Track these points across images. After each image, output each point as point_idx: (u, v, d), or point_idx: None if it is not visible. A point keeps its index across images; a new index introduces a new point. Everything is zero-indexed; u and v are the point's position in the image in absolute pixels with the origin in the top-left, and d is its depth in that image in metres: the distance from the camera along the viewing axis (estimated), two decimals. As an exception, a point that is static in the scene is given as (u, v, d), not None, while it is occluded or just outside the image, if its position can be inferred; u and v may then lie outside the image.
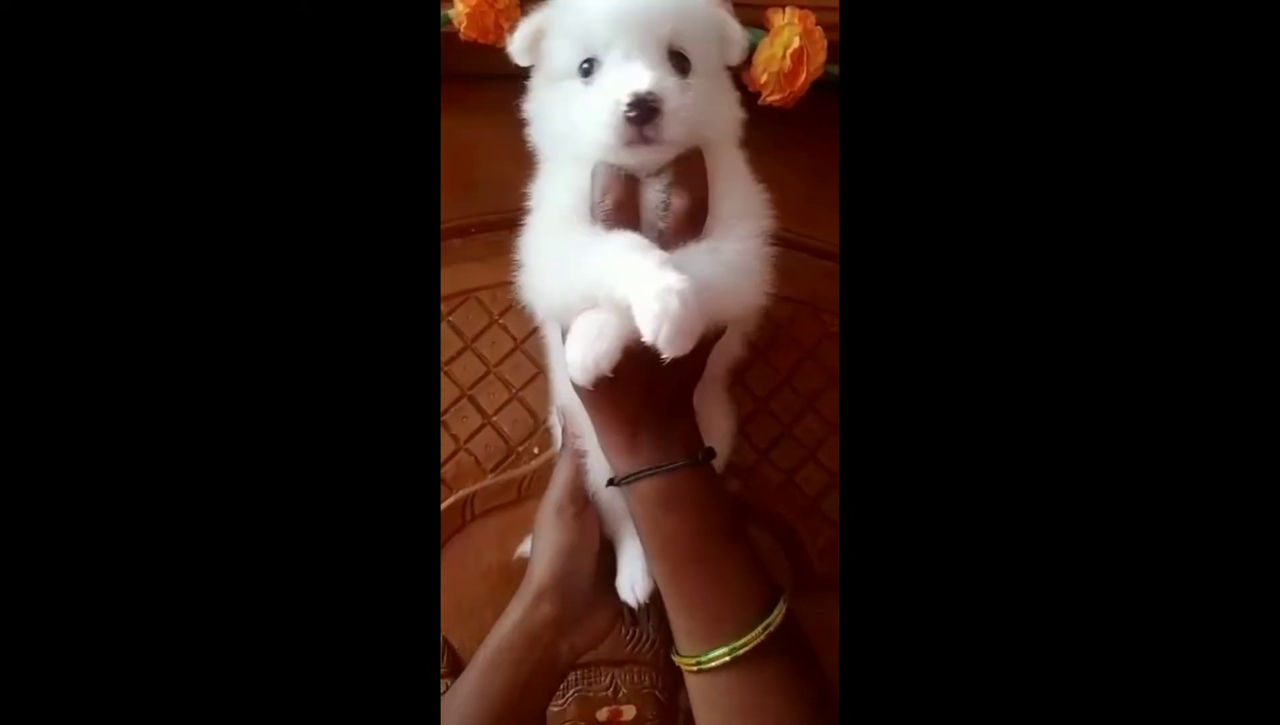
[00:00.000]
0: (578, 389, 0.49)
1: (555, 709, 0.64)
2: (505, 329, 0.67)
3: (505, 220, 0.68)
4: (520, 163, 0.67)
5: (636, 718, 0.64)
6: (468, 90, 0.66)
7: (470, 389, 0.66)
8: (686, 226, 0.47)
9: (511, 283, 0.68)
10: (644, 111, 0.43)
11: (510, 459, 0.66)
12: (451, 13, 0.60)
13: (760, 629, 0.47)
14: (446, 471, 0.65)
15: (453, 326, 0.67)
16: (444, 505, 0.65)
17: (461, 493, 0.65)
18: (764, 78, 0.61)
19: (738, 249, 0.47)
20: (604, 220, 0.47)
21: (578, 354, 0.43)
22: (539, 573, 0.56)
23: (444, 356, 0.66)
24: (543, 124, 0.52)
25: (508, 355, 0.67)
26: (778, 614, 0.48)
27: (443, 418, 0.65)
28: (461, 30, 0.60)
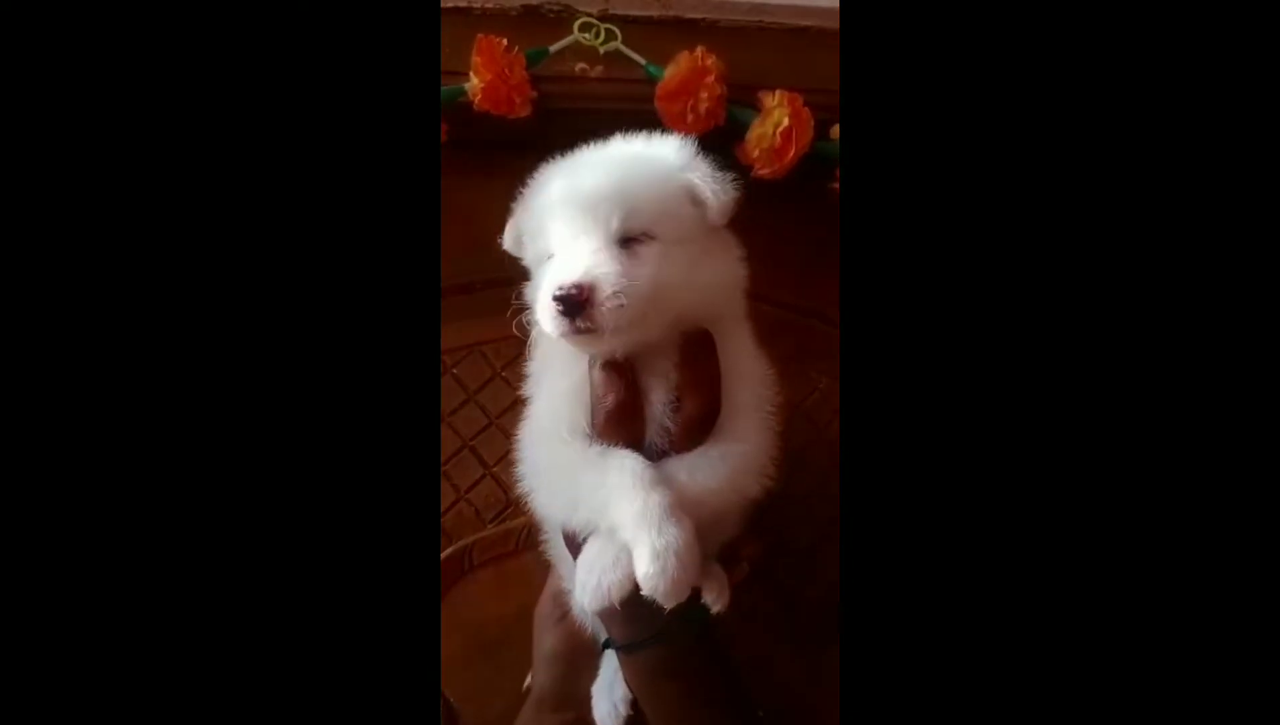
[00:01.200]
0: (570, 547, 0.49)
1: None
2: (507, 382, 0.70)
3: (508, 278, 0.71)
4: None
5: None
6: (478, 157, 0.71)
7: (472, 440, 0.68)
8: (697, 430, 0.46)
9: (514, 338, 0.71)
10: (569, 304, 0.42)
11: (509, 510, 0.67)
12: (467, 85, 0.64)
13: None
14: (446, 521, 0.66)
15: (456, 379, 0.69)
16: (443, 555, 0.65)
17: (461, 543, 0.66)
18: (756, 153, 0.66)
19: (746, 452, 0.46)
20: (604, 421, 0.46)
21: (591, 578, 0.43)
22: (538, 681, 0.58)
23: (447, 408, 0.68)
24: (534, 307, 0.50)
25: (509, 407, 0.69)
26: None
27: (444, 468, 0.67)
28: (476, 102, 0.64)
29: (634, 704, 0.53)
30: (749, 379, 0.49)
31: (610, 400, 0.45)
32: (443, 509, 0.66)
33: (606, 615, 0.50)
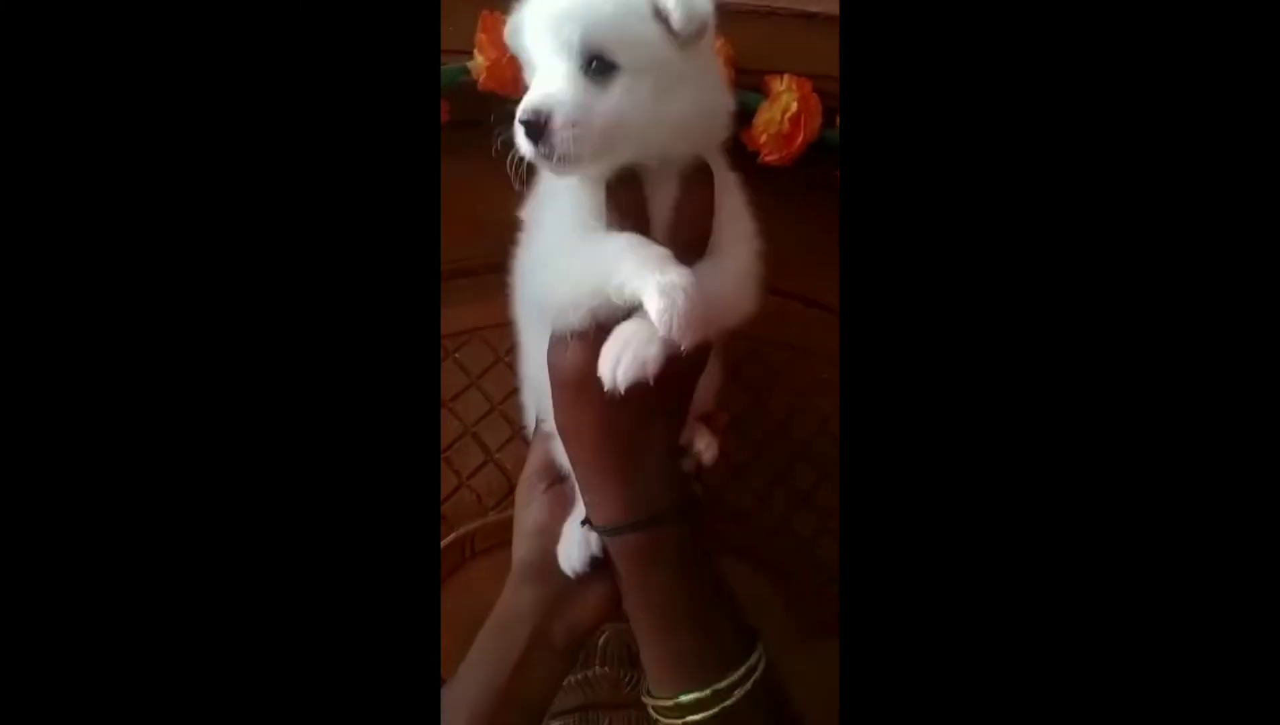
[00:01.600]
0: (563, 430, 0.49)
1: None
2: (510, 367, 0.69)
3: (510, 262, 0.70)
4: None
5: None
6: (479, 138, 0.69)
7: (474, 426, 0.67)
8: (689, 254, 0.47)
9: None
10: (529, 129, 0.43)
11: (511, 497, 0.66)
12: (471, 64, 0.63)
13: (742, 672, 0.48)
14: (448, 508, 0.65)
15: (458, 363, 0.68)
16: (444, 542, 0.65)
17: (462, 530, 0.65)
18: (763, 139, 0.65)
19: (734, 268, 0.49)
20: (613, 227, 0.47)
21: (627, 352, 0.43)
22: (520, 553, 0.55)
23: (449, 393, 0.67)
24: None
25: (511, 393, 0.68)
26: (758, 658, 0.50)
27: (445, 454, 0.66)
28: (480, 81, 0.63)
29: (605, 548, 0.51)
30: (735, 211, 0.51)
31: (616, 209, 0.47)
32: (444, 495, 0.65)
33: (595, 490, 0.50)
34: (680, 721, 0.49)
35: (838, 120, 0.67)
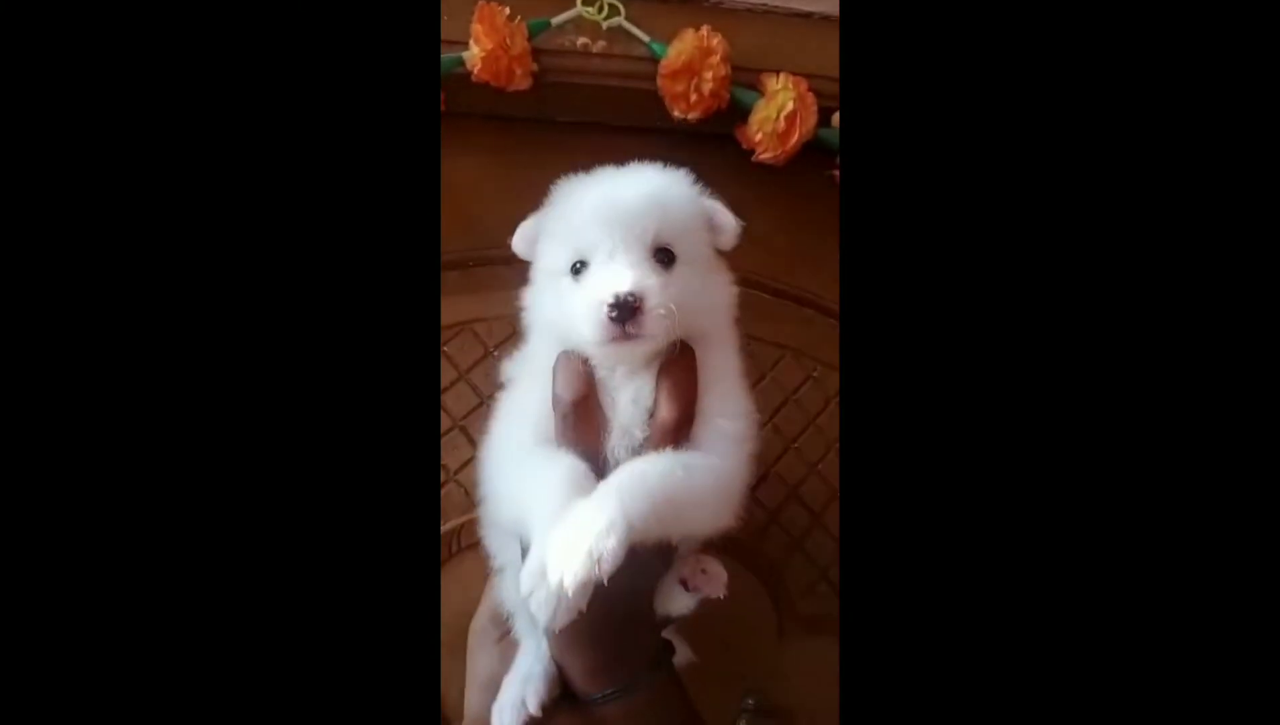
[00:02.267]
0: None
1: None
2: (500, 361, 0.68)
3: (502, 256, 0.70)
4: (517, 201, 0.69)
5: None
6: (473, 130, 0.69)
7: (463, 419, 0.67)
8: (671, 436, 0.46)
9: (507, 316, 0.70)
10: (624, 311, 0.44)
11: (500, 491, 0.66)
12: (466, 55, 0.62)
13: None
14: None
15: (448, 357, 0.67)
16: (431, 537, 0.64)
17: (450, 524, 0.65)
18: (758, 137, 0.65)
19: (714, 467, 0.46)
20: (563, 417, 0.46)
21: (579, 554, 0.39)
22: (470, 705, 0.54)
23: (440, 385, 0.67)
24: (536, 312, 0.52)
25: (502, 387, 0.68)
26: None
27: (433, 448, 0.65)
28: (475, 72, 0.62)
29: (545, 706, 0.49)
30: (727, 391, 0.49)
31: (569, 393, 0.46)
32: (431, 490, 0.65)
33: (572, 661, 0.49)
34: None
35: (832, 119, 0.67)
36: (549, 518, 0.41)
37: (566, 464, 0.45)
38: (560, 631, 0.45)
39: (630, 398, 0.47)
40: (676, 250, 0.48)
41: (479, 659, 0.54)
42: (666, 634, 0.55)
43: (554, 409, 0.47)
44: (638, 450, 0.46)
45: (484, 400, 0.67)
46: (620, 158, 0.71)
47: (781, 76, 0.65)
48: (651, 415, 0.47)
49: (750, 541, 0.68)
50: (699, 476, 0.44)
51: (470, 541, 0.65)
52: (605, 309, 0.44)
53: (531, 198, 0.68)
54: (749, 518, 0.68)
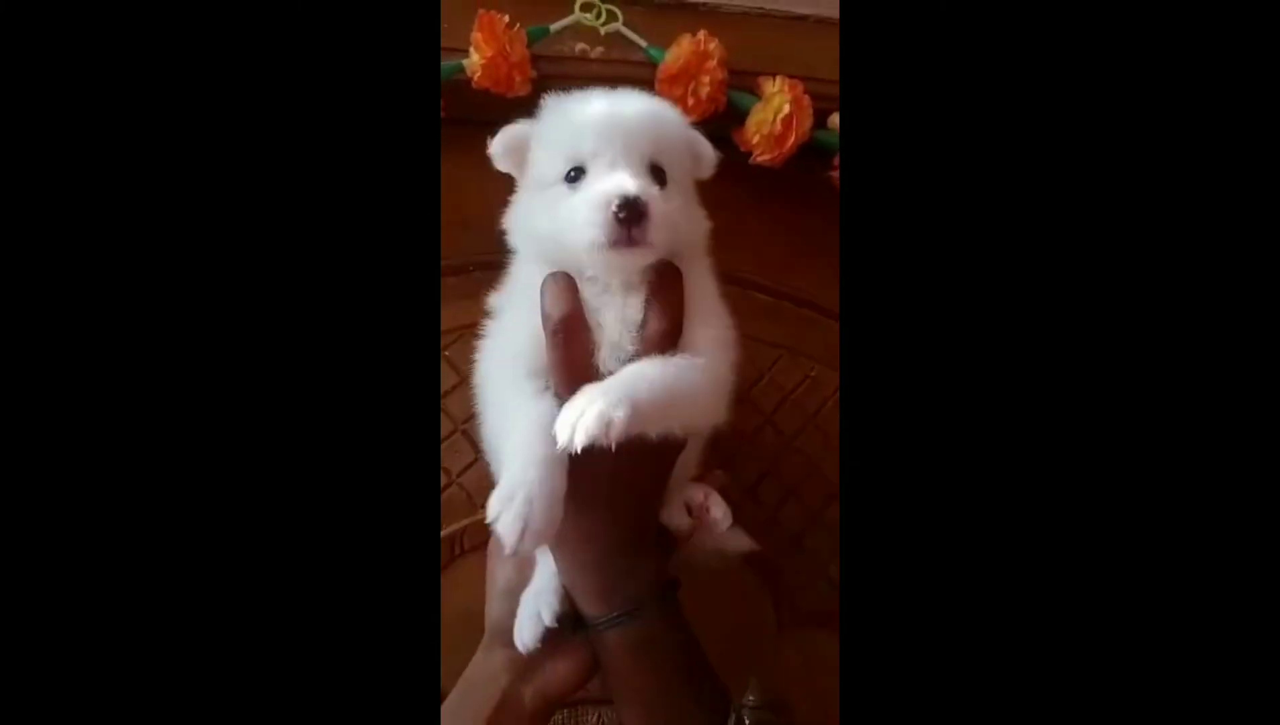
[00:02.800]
0: None
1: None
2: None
3: (502, 260, 0.70)
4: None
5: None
6: (472, 136, 0.69)
7: (464, 423, 0.67)
8: (660, 345, 0.48)
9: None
10: (632, 213, 0.45)
11: (502, 493, 0.67)
12: (466, 62, 0.63)
13: None
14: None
15: (449, 361, 0.68)
16: (435, 539, 0.64)
17: (452, 527, 0.65)
18: (755, 139, 0.66)
19: (704, 366, 0.48)
20: (553, 333, 0.47)
21: (591, 411, 0.41)
22: (492, 614, 0.56)
23: (441, 389, 0.67)
24: (526, 227, 0.53)
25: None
26: None
27: (436, 451, 0.66)
28: (475, 79, 0.63)
29: (561, 618, 0.51)
30: (708, 306, 0.51)
31: (558, 317, 0.47)
32: (435, 492, 0.65)
33: (576, 581, 0.51)
34: None
35: (828, 121, 0.68)
36: (522, 458, 0.44)
37: (546, 407, 0.46)
38: (566, 551, 0.49)
39: (618, 315, 0.49)
40: (668, 170, 0.49)
41: (497, 571, 0.56)
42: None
43: (544, 327, 0.48)
44: (628, 361, 0.47)
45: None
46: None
47: (778, 79, 0.65)
48: (640, 328, 0.48)
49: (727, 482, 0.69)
50: (691, 373, 0.47)
51: (472, 544, 0.66)
52: (612, 209, 0.45)
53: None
54: (749, 516, 0.70)
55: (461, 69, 0.63)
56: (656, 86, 0.66)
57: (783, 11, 0.68)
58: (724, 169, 0.70)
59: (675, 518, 0.55)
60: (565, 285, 0.48)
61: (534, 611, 0.52)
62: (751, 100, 0.66)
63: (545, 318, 0.48)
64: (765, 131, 0.65)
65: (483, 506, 0.67)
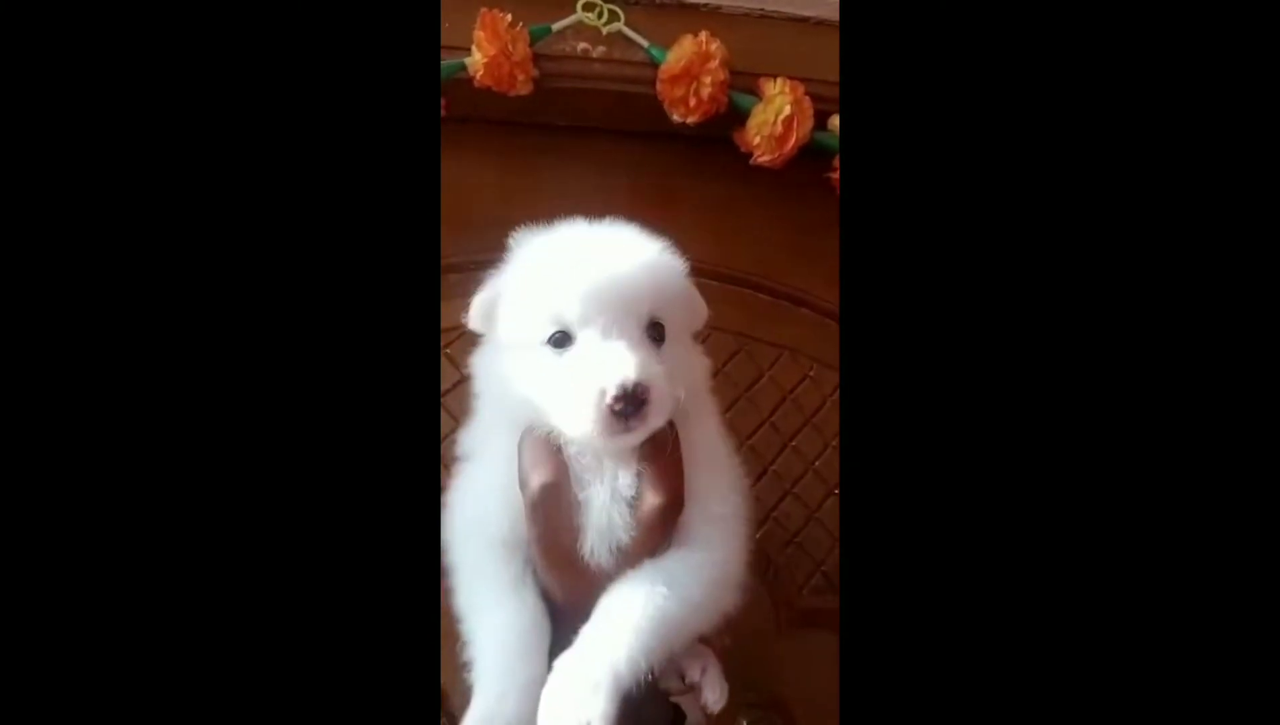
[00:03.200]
0: None
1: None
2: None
3: (504, 260, 0.70)
4: (516, 204, 0.69)
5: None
6: (475, 135, 0.69)
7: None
8: (659, 528, 0.42)
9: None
10: (631, 403, 0.39)
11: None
12: (468, 60, 0.63)
13: None
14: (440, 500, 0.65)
15: (450, 359, 0.68)
16: (435, 537, 0.64)
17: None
18: (756, 140, 0.66)
19: (709, 565, 0.43)
20: (532, 505, 0.43)
21: (568, 714, 0.38)
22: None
23: (441, 388, 0.67)
24: (501, 390, 0.46)
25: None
26: None
27: (436, 449, 0.66)
28: (477, 78, 0.63)
29: None
30: (717, 481, 0.46)
31: (539, 477, 0.42)
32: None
33: None
34: None
35: (829, 122, 0.68)
36: (499, 685, 0.40)
37: (526, 606, 0.43)
38: None
39: (608, 490, 0.42)
40: (667, 325, 0.43)
41: None
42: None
43: (521, 493, 0.43)
44: (621, 549, 0.42)
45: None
46: (621, 162, 0.72)
47: (779, 81, 0.66)
48: (633, 505, 0.42)
49: (749, 537, 0.70)
50: (688, 588, 0.41)
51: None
52: (609, 400, 0.39)
53: (532, 201, 0.69)
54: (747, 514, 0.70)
55: (463, 67, 0.63)
56: (658, 86, 0.66)
57: (784, 13, 0.69)
58: (724, 170, 0.71)
59: (668, 679, 0.49)
60: (546, 448, 0.43)
61: None
62: (752, 101, 0.67)
63: (523, 484, 0.43)
64: (766, 132, 0.66)
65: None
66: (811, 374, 0.73)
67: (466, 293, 0.69)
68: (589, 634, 0.40)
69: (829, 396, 0.72)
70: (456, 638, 0.48)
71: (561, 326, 0.42)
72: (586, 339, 0.41)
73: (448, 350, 0.69)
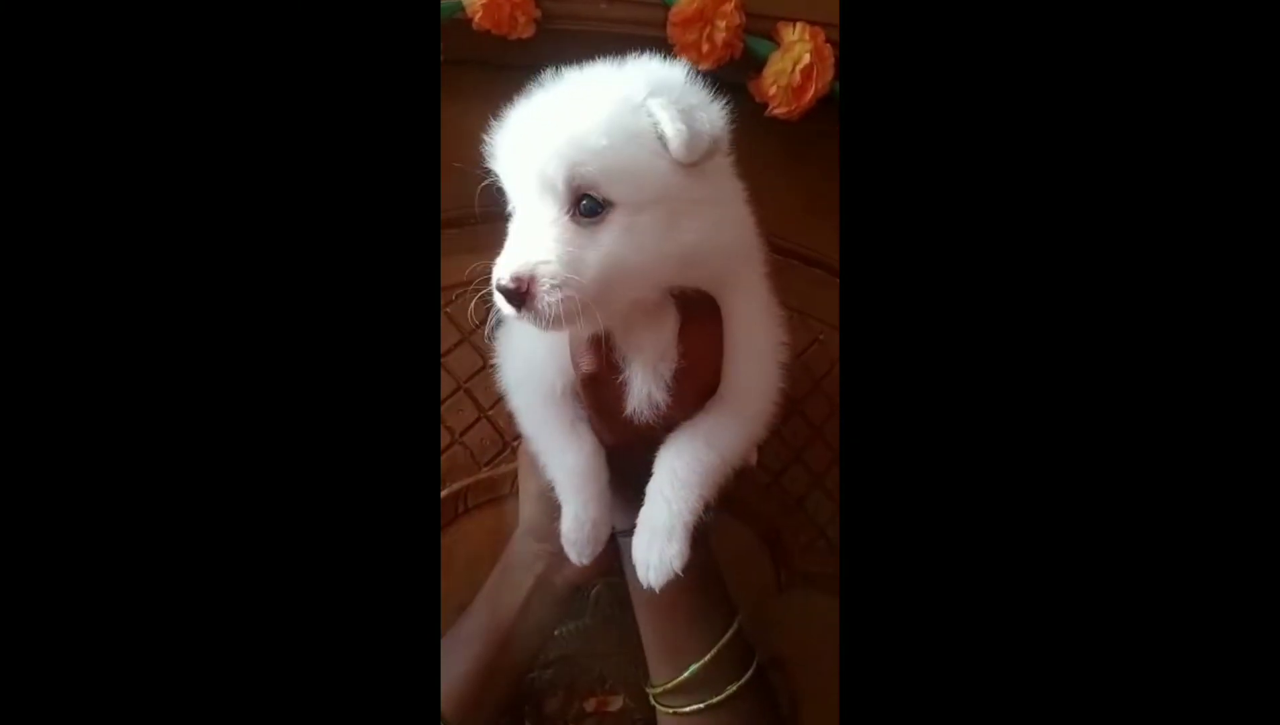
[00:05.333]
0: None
1: (547, 701, 0.65)
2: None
3: (504, 213, 0.68)
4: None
5: (623, 707, 0.66)
6: (473, 79, 0.65)
7: (467, 382, 0.66)
8: (691, 403, 0.47)
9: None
10: (509, 296, 0.39)
11: (505, 453, 0.66)
12: (467, 0, 0.59)
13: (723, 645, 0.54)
14: (441, 464, 0.65)
15: (450, 318, 0.66)
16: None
17: (455, 486, 0.65)
18: (772, 90, 0.63)
19: (744, 428, 0.49)
20: (581, 385, 0.48)
21: (654, 558, 0.46)
22: (525, 515, 0.59)
23: (441, 348, 0.66)
24: None
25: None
26: (750, 672, 0.55)
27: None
28: (476, 19, 0.59)
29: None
30: (753, 354, 0.48)
31: (583, 365, 0.46)
32: (437, 452, 0.65)
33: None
34: (685, 707, 0.54)
35: (848, 73, 0.64)
36: (580, 498, 0.49)
37: (586, 446, 0.49)
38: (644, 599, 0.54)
39: (648, 365, 0.45)
40: (611, 194, 0.39)
41: (529, 478, 0.58)
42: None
43: (572, 361, 0.47)
44: (662, 413, 0.46)
45: (488, 362, 0.66)
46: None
47: (798, 26, 0.62)
48: (671, 382, 0.45)
49: (752, 501, 0.70)
50: (729, 448, 0.47)
51: (476, 502, 0.66)
52: (498, 292, 0.40)
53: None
54: (751, 477, 0.70)
55: (461, 8, 0.59)
56: (669, 30, 0.62)
57: (805, -48, 0.64)
58: (738, 120, 0.67)
59: None
60: (589, 339, 0.45)
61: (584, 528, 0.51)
62: (770, 47, 0.63)
63: (574, 365, 0.48)
64: (783, 83, 0.62)
65: (486, 465, 0.67)
66: (821, 338, 0.71)
67: (468, 249, 0.67)
68: (656, 492, 0.47)
69: (837, 361, 0.71)
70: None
71: (510, 201, 0.43)
72: (512, 228, 0.42)
73: (448, 309, 0.67)
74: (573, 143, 0.39)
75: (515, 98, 0.66)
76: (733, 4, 0.60)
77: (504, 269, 0.40)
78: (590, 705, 0.65)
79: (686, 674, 0.54)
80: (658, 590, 0.46)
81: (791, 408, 0.71)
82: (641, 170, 0.40)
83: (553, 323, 0.39)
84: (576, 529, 0.49)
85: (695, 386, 0.47)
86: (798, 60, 0.61)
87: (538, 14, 0.60)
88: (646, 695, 0.66)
